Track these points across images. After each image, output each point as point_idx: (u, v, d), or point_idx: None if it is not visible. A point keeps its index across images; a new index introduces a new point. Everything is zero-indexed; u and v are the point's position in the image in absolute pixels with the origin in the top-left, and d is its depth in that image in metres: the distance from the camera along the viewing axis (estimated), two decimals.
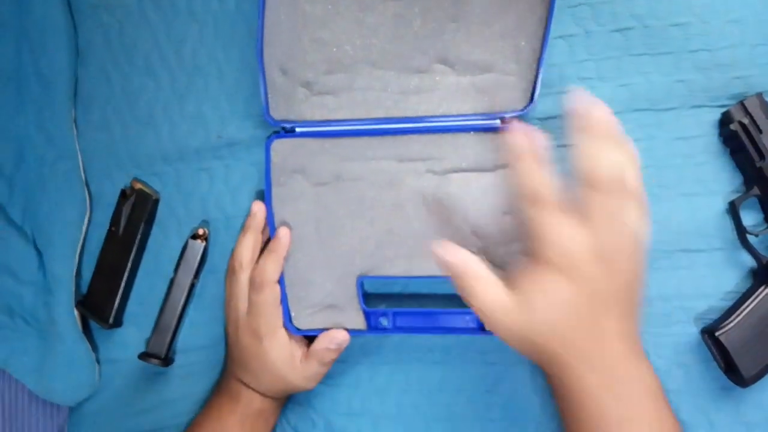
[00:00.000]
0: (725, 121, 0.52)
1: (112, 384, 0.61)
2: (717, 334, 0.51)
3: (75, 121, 0.61)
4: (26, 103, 0.59)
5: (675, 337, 0.54)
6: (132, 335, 0.61)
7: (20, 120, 0.60)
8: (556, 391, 0.45)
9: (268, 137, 0.55)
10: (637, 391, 0.42)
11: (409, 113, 0.53)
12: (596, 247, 0.39)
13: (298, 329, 0.54)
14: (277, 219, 0.55)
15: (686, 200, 0.54)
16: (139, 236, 0.59)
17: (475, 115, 0.52)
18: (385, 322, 0.54)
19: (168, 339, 0.59)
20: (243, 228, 0.56)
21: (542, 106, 0.54)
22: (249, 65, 0.58)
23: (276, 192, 0.55)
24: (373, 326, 0.54)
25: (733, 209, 0.53)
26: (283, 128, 0.55)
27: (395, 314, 0.54)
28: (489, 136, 0.52)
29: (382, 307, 0.55)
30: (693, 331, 0.54)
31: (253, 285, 0.53)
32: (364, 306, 0.54)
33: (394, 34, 0.52)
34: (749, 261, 0.53)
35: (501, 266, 0.49)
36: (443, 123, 0.53)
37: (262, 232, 0.56)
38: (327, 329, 0.54)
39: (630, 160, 0.40)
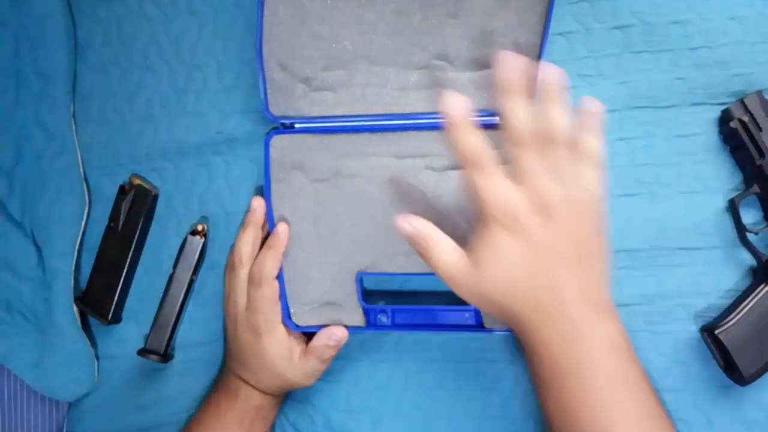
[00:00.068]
0: (725, 118, 0.52)
1: (111, 380, 0.61)
2: (716, 332, 0.51)
3: (74, 117, 0.61)
4: (25, 99, 0.59)
5: (674, 335, 0.54)
6: (131, 331, 0.61)
7: (19, 115, 0.60)
8: (524, 351, 0.45)
9: (267, 133, 0.55)
10: (597, 346, 0.42)
11: (408, 109, 0.53)
12: (534, 201, 0.41)
13: (297, 326, 0.54)
14: (275, 215, 0.55)
15: (686, 198, 0.54)
16: (138, 232, 0.59)
17: (474, 111, 0.52)
18: (384, 319, 0.54)
19: (167, 335, 0.59)
20: (243, 224, 0.56)
21: None
22: (248, 61, 0.58)
23: (275, 188, 0.55)
24: (372, 323, 0.54)
25: (732, 207, 0.53)
26: (282, 124, 0.54)
27: (394, 311, 0.54)
28: (488, 133, 0.52)
29: (380, 304, 0.55)
30: (692, 329, 0.54)
31: (252, 281, 0.53)
32: (363, 303, 0.54)
33: (394, 29, 0.52)
34: (749, 259, 0.53)
35: None
36: (442, 120, 0.52)
37: (262, 228, 0.56)
38: (326, 326, 0.54)
39: (555, 112, 0.42)
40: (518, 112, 0.42)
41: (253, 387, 0.55)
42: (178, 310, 0.59)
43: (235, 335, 0.55)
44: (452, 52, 0.52)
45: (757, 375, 0.51)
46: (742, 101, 0.51)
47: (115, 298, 0.59)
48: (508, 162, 0.43)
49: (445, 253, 0.44)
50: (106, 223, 0.59)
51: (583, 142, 0.43)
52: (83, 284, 0.60)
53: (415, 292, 0.57)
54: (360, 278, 0.54)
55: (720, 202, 0.54)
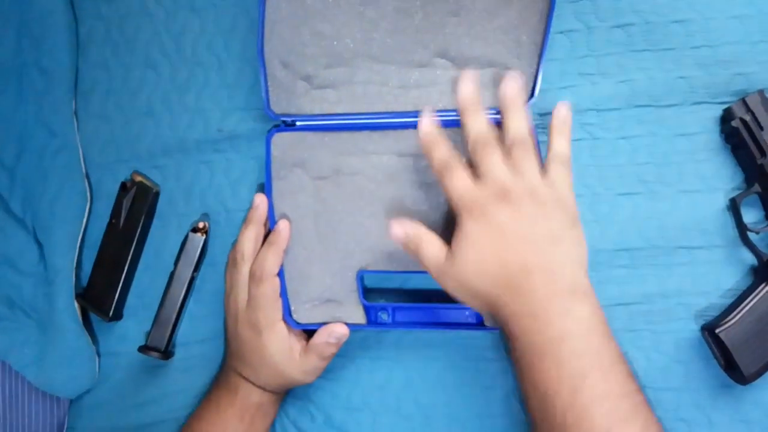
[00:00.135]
0: (726, 117, 0.52)
1: (112, 377, 0.61)
2: (717, 331, 0.51)
3: (75, 113, 0.61)
4: (27, 95, 0.59)
5: (675, 334, 0.54)
6: (132, 328, 0.61)
7: (21, 112, 0.60)
8: (507, 341, 0.46)
9: (269, 131, 0.55)
10: (570, 327, 0.43)
11: (410, 107, 0.54)
12: (495, 190, 0.45)
13: (298, 323, 0.54)
14: (276, 213, 0.55)
15: (687, 197, 0.54)
16: (139, 229, 0.59)
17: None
18: (384, 316, 0.54)
19: (168, 332, 0.59)
20: (245, 220, 0.56)
21: (543, 101, 0.54)
22: (249, 58, 0.58)
23: (276, 186, 0.55)
24: (372, 321, 0.54)
25: (733, 206, 0.53)
26: (284, 122, 0.55)
27: (395, 309, 0.54)
28: None
29: (381, 302, 0.55)
30: (693, 328, 0.54)
31: (253, 277, 0.53)
32: (363, 300, 0.54)
33: (395, 27, 0.52)
34: (750, 258, 0.53)
35: None
36: (443, 118, 0.52)
37: (264, 225, 0.56)
38: (326, 323, 0.54)
39: (514, 118, 0.48)
40: (475, 122, 0.47)
41: (253, 384, 0.55)
42: (179, 308, 0.59)
43: (235, 332, 0.55)
44: (453, 50, 0.52)
45: (758, 374, 0.50)
46: (743, 100, 0.51)
47: (116, 295, 0.59)
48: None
49: (432, 250, 0.47)
50: (108, 220, 0.60)
51: (551, 144, 0.49)
52: (84, 281, 0.61)
53: (416, 290, 0.57)
54: (361, 276, 0.54)
55: (721, 201, 0.53)
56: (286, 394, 0.59)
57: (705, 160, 0.54)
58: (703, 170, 0.54)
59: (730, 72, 0.53)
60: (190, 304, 0.60)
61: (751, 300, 0.51)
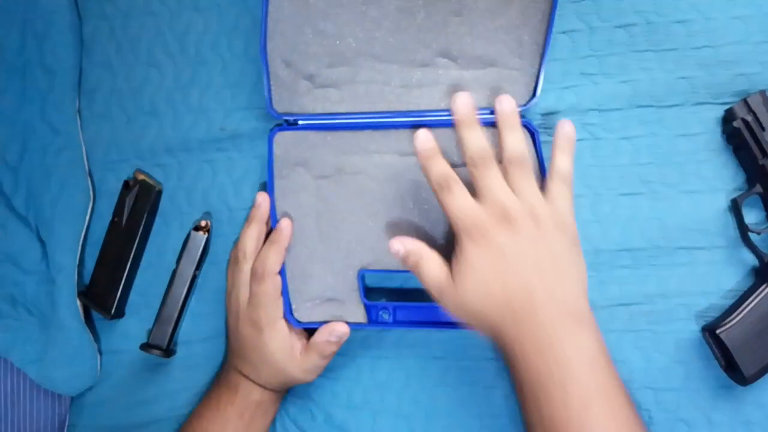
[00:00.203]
0: (728, 118, 0.52)
1: (114, 375, 0.61)
2: (718, 332, 0.51)
3: (79, 112, 0.61)
4: (31, 94, 0.60)
5: (676, 335, 0.54)
6: (134, 326, 0.61)
7: (25, 110, 0.60)
8: (507, 365, 0.46)
9: (271, 130, 0.55)
10: (572, 355, 0.42)
11: (412, 107, 0.54)
12: (495, 213, 0.45)
13: (299, 321, 0.54)
14: (278, 211, 0.55)
15: (688, 197, 0.54)
16: (141, 227, 0.59)
17: (477, 109, 0.52)
18: (385, 315, 0.54)
19: (170, 330, 0.59)
20: (247, 218, 0.56)
21: (545, 101, 0.54)
22: (252, 57, 0.58)
23: (278, 184, 0.55)
24: (373, 320, 0.54)
25: (735, 207, 0.53)
26: (286, 121, 0.55)
27: (396, 308, 0.54)
28: (491, 130, 0.52)
29: (382, 301, 0.55)
30: (694, 328, 0.54)
31: (255, 275, 0.53)
32: (365, 299, 0.54)
33: (397, 27, 0.52)
34: (751, 259, 0.53)
35: None
36: (445, 117, 0.53)
37: (266, 223, 0.56)
38: (327, 322, 0.54)
39: (511, 137, 0.47)
40: (472, 137, 0.47)
41: (254, 382, 0.55)
42: (180, 306, 0.59)
43: (236, 330, 0.55)
44: (456, 49, 0.52)
45: (759, 375, 0.50)
46: (745, 101, 0.51)
47: (119, 293, 0.59)
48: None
49: (432, 269, 0.47)
50: (110, 218, 0.60)
51: (553, 161, 0.48)
52: (87, 279, 0.61)
53: (417, 290, 0.57)
54: (362, 275, 0.54)
55: (722, 201, 0.53)
56: (287, 393, 0.59)
57: (706, 160, 0.54)
58: (705, 171, 0.54)
59: (732, 72, 0.53)
60: (192, 302, 0.60)
61: (752, 301, 0.51)
